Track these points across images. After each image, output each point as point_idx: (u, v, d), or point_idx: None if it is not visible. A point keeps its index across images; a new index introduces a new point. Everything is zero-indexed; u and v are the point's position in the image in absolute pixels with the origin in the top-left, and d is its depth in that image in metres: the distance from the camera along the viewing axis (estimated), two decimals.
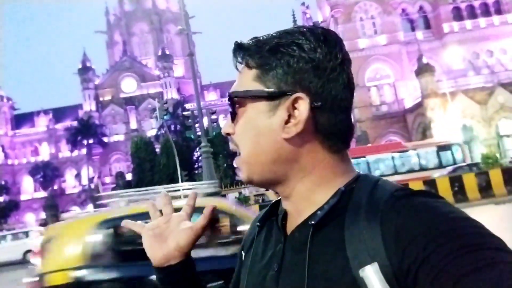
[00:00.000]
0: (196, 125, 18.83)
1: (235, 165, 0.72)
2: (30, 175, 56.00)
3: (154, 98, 58.44)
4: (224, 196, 18.74)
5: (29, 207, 57.49)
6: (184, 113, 27.01)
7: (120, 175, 46.70)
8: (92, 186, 52.31)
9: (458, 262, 0.48)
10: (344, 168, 0.69)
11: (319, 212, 0.64)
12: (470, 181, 15.95)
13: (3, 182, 55.42)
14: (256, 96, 0.67)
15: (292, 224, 0.69)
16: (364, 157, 23.94)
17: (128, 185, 42.41)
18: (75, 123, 54.55)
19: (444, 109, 32.39)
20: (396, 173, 22.61)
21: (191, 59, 19.89)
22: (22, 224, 48.49)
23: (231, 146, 0.71)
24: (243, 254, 0.82)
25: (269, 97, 0.66)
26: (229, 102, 0.69)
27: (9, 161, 60.02)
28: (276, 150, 0.67)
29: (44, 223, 37.12)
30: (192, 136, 19.32)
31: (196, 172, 35.27)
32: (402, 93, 40.13)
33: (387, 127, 39.23)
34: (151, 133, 52.86)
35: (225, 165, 34.13)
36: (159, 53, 60.94)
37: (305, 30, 0.68)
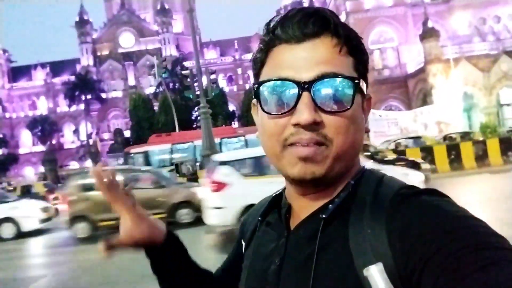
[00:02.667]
0: (195, 84, 18.59)
1: (308, 155, 0.61)
2: (28, 129, 55.92)
3: (153, 54, 57.39)
4: None
5: (28, 160, 57.86)
6: (183, 72, 26.58)
7: (118, 132, 46.64)
8: (91, 142, 52.47)
9: (462, 261, 0.47)
10: (359, 161, 0.69)
11: (330, 206, 0.63)
12: (466, 150, 16.02)
13: (1, 136, 55.50)
14: (360, 89, 0.63)
15: (296, 218, 0.68)
16: (192, 141, 22.69)
17: (126, 142, 42.48)
18: (72, 78, 53.80)
19: (447, 75, 32.01)
20: None
21: (191, 14, 19.34)
22: (21, 178, 48.95)
23: (312, 137, 0.60)
24: (243, 242, 0.81)
25: (363, 93, 0.65)
26: (341, 85, 0.61)
27: (7, 114, 59.77)
28: (362, 144, 0.66)
29: (43, 177, 37.53)
30: (191, 96, 19.10)
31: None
32: (405, 57, 39.53)
33: (388, 92, 38.91)
34: (149, 90, 52.37)
35: (224, 125, 34.07)
36: (158, 7, 59.27)
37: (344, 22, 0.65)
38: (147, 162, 22.25)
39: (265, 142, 0.65)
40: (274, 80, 0.63)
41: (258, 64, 0.68)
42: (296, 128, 0.60)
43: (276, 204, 0.74)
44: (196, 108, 29.75)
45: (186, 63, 47.80)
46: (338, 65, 0.61)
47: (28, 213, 12.02)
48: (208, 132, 16.78)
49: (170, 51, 57.25)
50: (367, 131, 0.67)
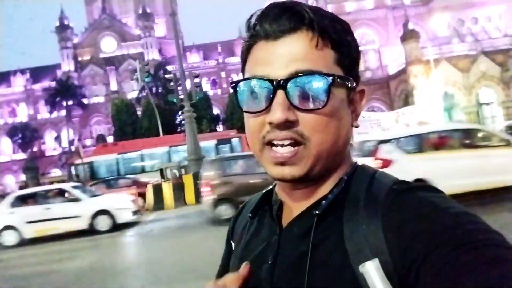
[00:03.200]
0: (179, 88, 18.49)
1: (284, 160, 0.60)
2: (8, 137, 54.72)
3: (135, 59, 56.78)
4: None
5: (8, 169, 56.58)
6: (166, 76, 26.37)
7: (101, 138, 46.09)
8: (73, 148, 51.63)
9: (460, 259, 0.47)
10: (349, 156, 0.68)
11: (323, 202, 0.62)
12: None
13: None
14: (341, 83, 0.61)
15: (288, 215, 0.67)
16: (140, 151, 22.87)
17: None
18: (53, 84, 52.88)
19: (427, 76, 32.55)
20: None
21: (173, 18, 19.26)
22: (1, 186, 47.84)
23: (287, 135, 0.60)
24: (233, 243, 0.79)
25: (349, 87, 0.63)
26: (314, 82, 0.59)
27: None
28: (347, 141, 0.64)
29: (24, 185, 36.72)
30: (175, 100, 18.98)
31: None
32: (386, 59, 40.07)
33: (370, 93, 39.26)
34: (132, 95, 51.84)
35: (208, 130, 33.96)
36: (140, 12, 58.80)
37: (330, 12, 0.63)
38: (93, 173, 21.87)
39: (248, 139, 0.65)
40: (249, 79, 0.62)
41: (243, 62, 0.67)
42: (272, 127, 0.60)
43: (267, 201, 0.72)
44: (180, 112, 29.57)
45: (169, 67, 47.47)
46: (315, 61, 0.60)
47: (122, 205, 12.25)
48: (193, 136, 16.70)
49: (153, 55, 56.80)
50: (356, 126, 0.65)
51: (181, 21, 59.09)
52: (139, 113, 42.75)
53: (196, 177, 15.11)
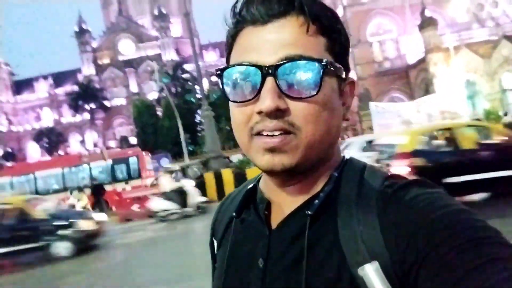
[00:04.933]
0: (197, 87, 18.78)
1: (274, 145, 0.56)
2: (35, 141, 56.38)
3: (153, 59, 57.69)
4: (228, 158, 18.92)
5: None
6: (184, 76, 26.69)
7: (124, 139, 46.99)
8: (97, 150, 52.83)
9: (460, 258, 0.46)
10: (339, 150, 0.65)
11: (316, 201, 0.59)
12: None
13: (9, 149, 55.96)
14: (332, 71, 0.57)
15: (277, 215, 0.63)
16: (34, 173, 22.02)
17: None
18: (75, 88, 54.16)
19: (447, 64, 31.93)
20: (66, 189, 19.26)
21: (188, 18, 19.51)
22: None
23: (277, 125, 0.55)
24: (215, 240, 0.76)
25: (340, 76, 0.60)
26: (305, 68, 0.55)
27: (13, 128, 60.27)
28: (338, 134, 0.62)
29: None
30: (193, 99, 19.28)
31: (199, 134, 35.42)
32: (405, 48, 39.44)
33: (389, 84, 38.84)
34: (152, 95, 52.60)
35: (227, 127, 34.18)
36: (155, 12, 59.51)
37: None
38: None
39: (234, 131, 0.61)
40: (236, 65, 0.58)
41: (227, 49, 0.63)
42: (261, 116, 0.56)
43: (251, 199, 0.68)
44: (199, 112, 29.89)
45: (187, 67, 47.97)
46: (306, 47, 0.56)
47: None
48: (212, 134, 16.93)
49: (170, 55, 57.51)
50: (347, 118, 0.63)
51: (196, 20, 59.62)
52: (159, 113, 43.37)
53: (217, 175, 15.41)
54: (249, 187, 0.70)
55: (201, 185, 16.08)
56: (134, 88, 59.76)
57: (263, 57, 0.56)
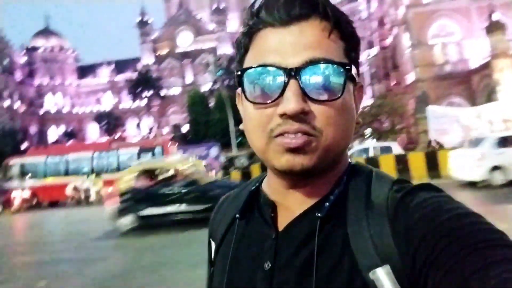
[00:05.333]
0: None
1: (297, 146, 0.56)
2: (96, 122, 59.60)
3: (209, 52, 58.95)
4: None
5: None
6: None
7: (177, 126, 48.52)
8: (151, 136, 54.97)
9: (466, 261, 0.46)
10: (346, 154, 0.66)
11: (326, 203, 0.59)
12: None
13: (71, 128, 59.68)
14: (352, 76, 0.59)
15: (285, 217, 0.62)
16: (63, 155, 23.18)
17: (184, 136, 44.05)
18: (134, 75, 56.56)
19: None
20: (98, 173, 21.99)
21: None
22: None
23: (300, 128, 0.55)
24: (213, 242, 0.75)
25: (355, 81, 0.61)
26: (330, 71, 0.56)
27: (75, 110, 64.11)
28: (352, 136, 0.62)
29: None
30: None
31: None
32: (468, 52, 37.60)
33: (449, 88, 37.20)
34: (206, 87, 53.81)
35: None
36: (214, 7, 60.67)
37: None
38: (23, 173, 22.88)
39: (249, 133, 0.60)
40: (259, 66, 0.57)
41: (242, 49, 0.63)
42: (283, 119, 0.55)
43: (253, 201, 0.68)
44: None
45: None
46: (328, 50, 0.57)
47: None
48: None
49: (225, 49, 58.40)
50: (358, 122, 0.63)
51: None
52: (212, 104, 44.32)
53: (264, 166, 15.59)
54: (252, 189, 0.69)
55: (247, 177, 16.44)
56: (189, 79, 61.40)
57: (286, 59, 0.56)
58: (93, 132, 63.45)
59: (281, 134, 0.56)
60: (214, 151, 26.43)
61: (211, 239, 0.75)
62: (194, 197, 10.12)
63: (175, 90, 61.43)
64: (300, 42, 0.56)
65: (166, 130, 58.14)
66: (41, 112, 61.91)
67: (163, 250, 8.02)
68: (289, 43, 0.56)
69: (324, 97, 0.55)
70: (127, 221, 10.25)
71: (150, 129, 55.98)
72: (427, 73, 37.67)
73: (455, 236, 0.49)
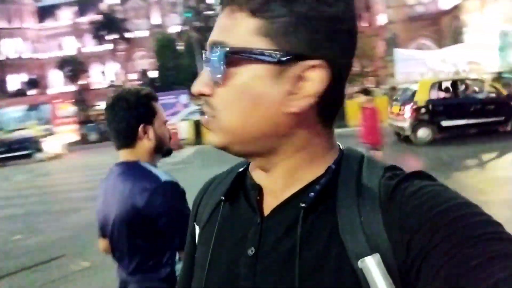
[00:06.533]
0: None
1: (203, 124, 0.61)
2: (59, 69, 57.10)
3: None
4: None
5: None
6: (207, 13, 26.05)
7: (144, 72, 47.22)
8: (118, 82, 53.36)
9: (462, 254, 0.45)
10: (333, 142, 0.63)
11: (311, 193, 0.57)
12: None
13: (33, 76, 57.08)
14: (258, 58, 0.53)
15: (270, 202, 0.61)
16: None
17: (152, 82, 43.02)
18: (98, 17, 53.63)
19: (482, 12, 30.31)
20: None
21: None
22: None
23: (204, 108, 0.60)
24: (196, 226, 0.74)
25: (279, 61, 0.53)
26: (213, 55, 0.55)
27: (36, 55, 60.93)
28: (272, 124, 0.56)
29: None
30: None
31: None
32: None
33: (420, 30, 37.26)
34: (173, 29, 51.83)
35: None
36: None
37: None
38: None
39: None
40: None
41: None
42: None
43: (240, 183, 0.67)
44: None
45: (210, 0, 46.66)
46: (227, 32, 0.55)
47: None
48: None
49: None
50: (294, 111, 0.56)
51: None
52: (181, 48, 43.00)
53: None
54: (239, 171, 0.69)
55: None
56: (156, 20, 58.81)
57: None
58: (56, 79, 60.97)
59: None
60: (183, 98, 26.02)
61: (194, 223, 0.74)
62: (492, 109, 10.68)
63: (142, 33, 58.95)
64: (217, 26, 0.58)
65: (133, 76, 56.51)
66: (0, 58, 58.62)
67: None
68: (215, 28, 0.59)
69: (216, 80, 0.56)
70: (424, 134, 10.71)
71: (116, 75, 54.24)
72: (398, 15, 37.40)
73: (453, 228, 0.47)
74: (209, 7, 45.19)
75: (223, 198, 0.66)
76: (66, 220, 7.21)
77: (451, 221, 0.48)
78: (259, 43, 0.53)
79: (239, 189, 0.66)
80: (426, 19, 37.42)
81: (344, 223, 0.54)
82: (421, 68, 23.99)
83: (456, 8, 32.71)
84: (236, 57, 0.54)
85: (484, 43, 27.94)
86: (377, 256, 0.51)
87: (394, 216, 0.52)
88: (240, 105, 0.55)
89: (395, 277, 0.50)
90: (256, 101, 0.55)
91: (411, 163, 8.80)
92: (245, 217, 0.63)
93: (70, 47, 60.62)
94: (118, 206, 1.62)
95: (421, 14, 37.98)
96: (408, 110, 10.74)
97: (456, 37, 32.03)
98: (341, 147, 0.64)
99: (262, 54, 0.53)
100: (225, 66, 0.54)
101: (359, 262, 0.51)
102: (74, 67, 55.54)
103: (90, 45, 58.35)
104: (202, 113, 0.62)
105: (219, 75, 0.55)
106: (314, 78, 0.54)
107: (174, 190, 1.59)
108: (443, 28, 36.40)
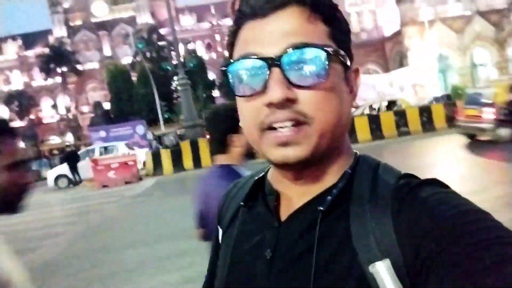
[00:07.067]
0: (173, 53, 18.64)
1: (286, 139, 0.55)
2: (5, 105, 54.67)
3: (127, 22, 56.05)
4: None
5: None
6: (159, 43, 26.20)
7: (97, 104, 46.19)
8: (70, 115, 51.83)
9: (473, 258, 0.45)
10: (350, 146, 0.65)
11: (328, 197, 0.58)
12: (438, 111, 16.79)
13: None
14: (338, 58, 0.58)
15: (287, 207, 0.63)
16: None
17: (106, 114, 42.15)
18: (46, 50, 52.30)
19: (422, 37, 32.51)
20: None
21: None
22: None
23: (289, 116, 0.55)
24: (220, 228, 0.76)
25: (345, 62, 0.59)
26: (309, 56, 0.55)
27: None
28: (348, 122, 0.61)
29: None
30: (169, 67, 19.15)
31: (175, 102, 35.20)
32: (382, 20, 39.74)
33: (366, 55, 39.26)
34: (126, 60, 51.43)
35: (204, 95, 34.06)
36: None
37: None
38: None
39: (244, 127, 0.62)
40: (240, 59, 0.58)
41: (229, 47, 0.63)
42: (271, 109, 0.55)
43: (259, 189, 0.69)
44: (175, 79, 29.63)
45: (162, 31, 46.92)
46: (308, 35, 0.56)
47: None
48: (188, 102, 17.01)
49: (146, 18, 55.88)
50: (356, 106, 0.75)
51: None
52: (134, 78, 42.64)
53: (193, 144, 15.65)
54: (258, 177, 0.70)
55: (177, 154, 16.33)
56: (107, 51, 58.18)
57: (267, 49, 0.56)
58: (4, 114, 58.29)
59: (273, 128, 0.56)
60: (140, 129, 25.64)
61: (218, 226, 0.77)
62: None
63: (93, 65, 58.00)
64: (279, 30, 0.56)
65: (86, 108, 55.16)
66: None
67: None
68: (269, 32, 0.56)
69: (309, 82, 0.55)
70: (506, 133, 10.74)
71: (68, 108, 52.69)
72: None
73: (461, 233, 0.47)
74: (161, 37, 45.47)
75: (242, 203, 0.69)
76: (23, 259, 6.87)
77: (460, 225, 0.48)
78: (333, 47, 0.57)
79: (258, 194, 0.68)
80: (371, 45, 39.56)
81: (356, 228, 0.55)
82: (371, 93, 25.21)
83: (397, 34, 34.86)
84: (333, 57, 0.56)
85: (426, 66, 30.01)
86: (387, 261, 0.51)
87: (404, 221, 0.52)
88: (333, 103, 0.57)
89: (405, 282, 0.50)
90: (343, 100, 0.59)
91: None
92: (263, 221, 0.64)
93: (17, 81, 58.47)
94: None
95: (366, 40, 40.13)
96: (489, 111, 11.42)
97: (400, 62, 34.07)
98: (357, 153, 0.65)
99: (344, 56, 0.58)
100: (328, 64, 0.55)
101: (370, 267, 0.52)
102: (23, 101, 53.48)
103: (39, 79, 56.54)
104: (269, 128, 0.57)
105: (321, 75, 0.55)
106: (356, 79, 0.63)
107: None
108: (387, 53, 38.57)
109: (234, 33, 0.61)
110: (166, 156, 16.57)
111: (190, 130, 16.80)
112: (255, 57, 0.56)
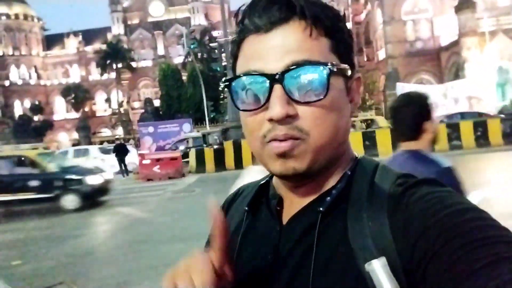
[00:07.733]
0: (223, 54, 18.92)
1: (284, 150, 0.57)
2: (62, 96, 57.78)
3: (182, 23, 57.64)
4: None
5: (62, 127, 60.15)
6: (211, 44, 26.65)
7: (148, 101, 47.72)
8: (122, 110, 53.90)
9: (469, 257, 0.46)
10: (351, 149, 0.67)
11: (328, 198, 0.60)
12: (494, 126, 15.89)
13: (37, 102, 57.73)
14: (338, 72, 0.58)
15: (289, 210, 0.64)
16: None
17: (156, 111, 43.45)
18: (104, 47, 54.82)
19: (481, 49, 30.94)
20: None
21: None
22: (56, 143, 50.94)
23: (288, 133, 0.56)
24: None
25: (346, 75, 0.61)
26: (309, 73, 0.56)
27: (42, 82, 61.88)
28: (347, 132, 0.63)
29: (77, 143, 39.17)
30: (218, 69, 19.46)
31: (222, 102, 35.67)
32: (439, 29, 38.24)
33: (419, 65, 37.95)
34: (178, 59, 52.84)
35: None
36: None
37: None
38: None
39: (247, 138, 0.63)
40: (243, 75, 0.59)
41: (232, 58, 0.64)
42: (272, 124, 0.57)
43: (263, 194, 0.71)
44: (223, 80, 30.04)
45: (215, 33, 47.77)
46: (310, 51, 0.57)
47: None
48: (233, 104, 17.14)
49: (199, 20, 57.20)
50: (356, 116, 0.72)
51: None
52: (184, 78, 43.65)
53: (236, 144, 15.75)
54: (262, 182, 0.72)
55: (220, 153, 16.51)
56: (161, 51, 60.08)
57: (269, 65, 0.57)
58: (60, 106, 61.67)
59: (273, 140, 0.57)
60: (186, 127, 26.23)
61: None
62: None
63: (147, 63, 60.10)
64: (281, 46, 0.57)
65: (137, 104, 57.14)
66: (6, 84, 59.44)
67: None
68: (271, 48, 0.57)
69: (309, 98, 0.56)
70: None
71: (121, 103, 54.83)
72: (398, 50, 38.15)
73: (458, 231, 0.48)
74: (213, 39, 46.34)
75: (246, 208, 0.70)
76: (64, 247, 7.14)
77: (457, 224, 0.48)
78: (335, 60, 0.59)
79: (263, 199, 0.70)
80: (426, 55, 38.16)
81: (353, 228, 0.56)
82: None
83: (455, 44, 33.39)
84: (333, 72, 0.57)
85: (484, 78, 28.48)
86: (383, 259, 0.52)
87: (400, 220, 0.53)
88: (330, 119, 0.58)
89: (401, 280, 0.51)
90: (342, 112, 0.60)
91: None
92: (266, 225, 0.66)
93: (75, 74, 61.69)
94: None
95: (421, 49, 38.77)
96: None
97: (457, 73, 32.59)
98: (357, 156, 0.66)
99: (344, 68, 0.59)
100: (328, 81, 0.56)
101: (366, 266, 0.52)
102: (79, 94, 56.28)
103: (95, 73, 59.34)
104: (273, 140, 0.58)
105: (321, 92, 0.56)
106: (357, 88, 0.64)
107: (453, 174, 1.76)
108: (442, 64, 37.05)
109: (237, 45, 0.62)
110: (209, 155, 16.80)
111: (234, 130, 16.92)
112: (257, 73, 0.57)
